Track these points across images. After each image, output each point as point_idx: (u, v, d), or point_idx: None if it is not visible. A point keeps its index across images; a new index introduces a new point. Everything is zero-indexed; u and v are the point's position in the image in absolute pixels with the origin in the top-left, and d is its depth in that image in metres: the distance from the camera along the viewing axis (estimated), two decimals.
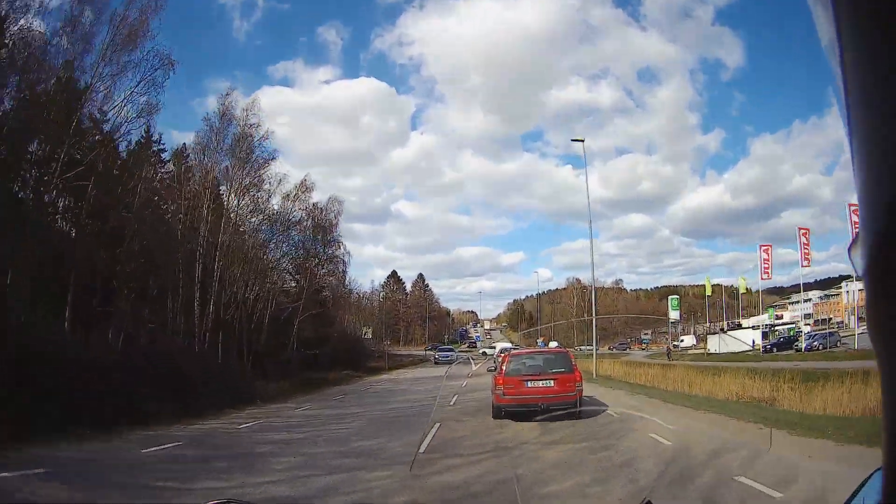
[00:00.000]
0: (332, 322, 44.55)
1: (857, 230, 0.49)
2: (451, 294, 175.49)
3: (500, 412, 12.42)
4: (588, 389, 19.49)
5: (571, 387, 12.22)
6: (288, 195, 36.74)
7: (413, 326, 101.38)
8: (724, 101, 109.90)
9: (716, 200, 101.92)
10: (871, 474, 1.32)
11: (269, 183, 34.46)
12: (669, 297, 74.81)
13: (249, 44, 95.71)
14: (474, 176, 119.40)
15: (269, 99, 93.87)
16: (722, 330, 63.24)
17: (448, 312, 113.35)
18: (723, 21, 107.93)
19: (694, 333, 78.82)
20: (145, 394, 15.47)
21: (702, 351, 62.71)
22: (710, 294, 74.42)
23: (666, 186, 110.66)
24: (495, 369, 14.92)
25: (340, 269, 44.77)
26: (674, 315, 72.60)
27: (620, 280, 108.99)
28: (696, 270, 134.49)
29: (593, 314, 30.97)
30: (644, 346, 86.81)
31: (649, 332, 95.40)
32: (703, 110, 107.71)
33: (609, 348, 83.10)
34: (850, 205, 45.61)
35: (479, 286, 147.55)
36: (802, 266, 48.89)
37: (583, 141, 29.37)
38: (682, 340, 78.36)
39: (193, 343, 27.58)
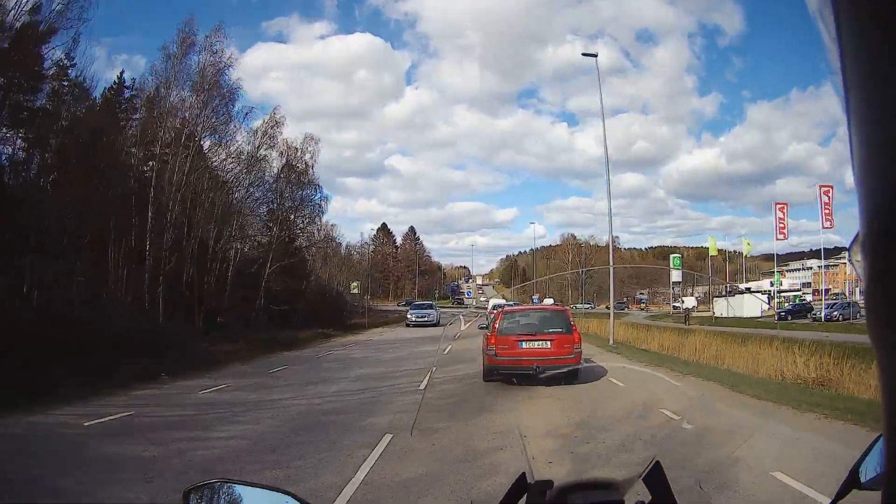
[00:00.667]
0: (308, 275, 39.51)
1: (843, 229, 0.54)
2: (444, 249, 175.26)
3: (492, 373, 11.52)
4: (611, 362, 14.74)
5: (570, 348, 11.18)
6: (256, 131, 31.64)
7: (403, 281, 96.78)
8: (722, 66, 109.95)
9: (711, 164, 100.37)
10: (874, 442, 1.25)
11: (236, 118, 29.51)
12: (671, 256, 70.28)
13: None
14: (469, 132, 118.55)
15: (264, 54, 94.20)
16: (729, 293, 58.56)
17: (440, 267, 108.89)
18: None
19: (694, 295, 74.73)
20: (39, 363, 11.36)
21: (707, 314, 58.55)
22: (714, 254, 69.50)
23: (661, 147, 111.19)
24: (487, 327, 13.49)
25: (317, 216, 39.57)
26: (675, 275, 67.97)
27: (617, 237, 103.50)
28: (690, 232, 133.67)
29: (610, 264, 25.74)
30: (642, 305, 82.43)
31: (645, 291, 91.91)
32: (700, 74, 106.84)
33: (605, 307, 78.64)
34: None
35: (472, 241, 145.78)
36: (824, 228, 44.23)
37: (595, 56, 23.90)
38: (682, 301, 74.73)
39: (143, 299, 22.90)
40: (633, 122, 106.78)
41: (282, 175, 34.54)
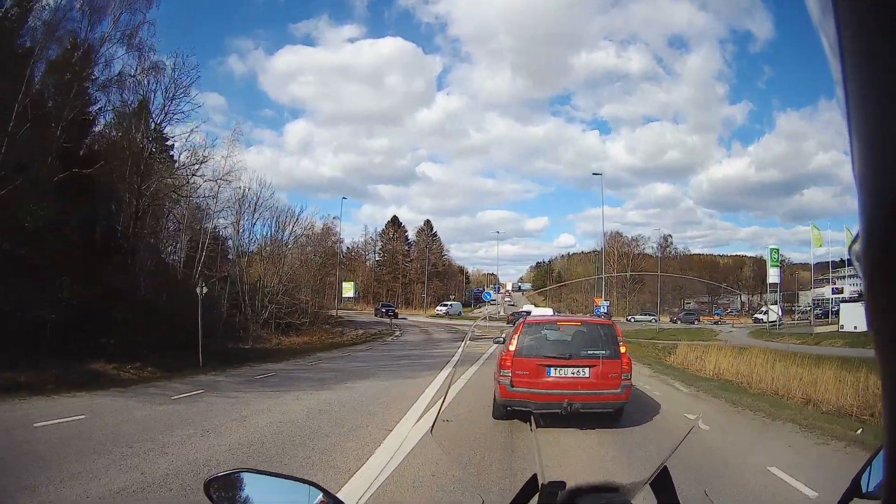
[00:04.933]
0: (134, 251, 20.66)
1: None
2: (474, 258, 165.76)
3: (503, 410, 8.33)
4: None
5: (615, 380, 7.91)
6: None
7: (414, 285, 79.06)
8: (753, 74, 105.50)
9: (740, 173, 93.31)
10: (875, 453, 1.30)
11: None
12: (769, 248, 51.03)
13: (272, 0, 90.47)
14: (500, 139, 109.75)
15: (292, 57, 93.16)
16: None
17: (462, 270, 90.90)
18: None
19: (776, 303, 56.13)
20: None
21: (830, 327, 40.08)
22: (819, 247, 50.25)
23: (691, 156, 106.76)
24: (503, 341, 9.83)
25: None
26: (773, 274, 49.20)
27: (670, 236, 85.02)
28: (717, 243, 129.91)
29: None
30: (717, 317, 64.17)
31: (691, 301, 79.08)
32: (731, 81, 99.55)
33: (672, 319, 60.50)
34: None
35: (502, 251, 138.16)
36: None
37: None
38: (765, 312, 56.68)
39: None
40: (665, 130, 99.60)
41: None
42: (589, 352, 8.12)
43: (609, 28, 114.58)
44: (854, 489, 1.26)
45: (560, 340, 8.46)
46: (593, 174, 73.18)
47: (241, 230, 34.38)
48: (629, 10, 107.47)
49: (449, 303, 65.79)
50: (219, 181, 27.88)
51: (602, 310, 35.47)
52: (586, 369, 7.97)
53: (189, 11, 69.27)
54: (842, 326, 36.65)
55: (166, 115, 25.05)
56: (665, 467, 1.38)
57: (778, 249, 50.65)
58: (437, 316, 60.83)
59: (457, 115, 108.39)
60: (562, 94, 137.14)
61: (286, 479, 1.54)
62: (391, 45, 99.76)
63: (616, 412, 8.23)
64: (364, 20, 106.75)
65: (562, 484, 1.35)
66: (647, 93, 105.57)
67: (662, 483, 1.39)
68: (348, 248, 78.89)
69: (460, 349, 22.75)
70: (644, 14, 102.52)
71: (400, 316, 53.78)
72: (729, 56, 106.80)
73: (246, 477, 1.52)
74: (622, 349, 8.18)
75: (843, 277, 58.46)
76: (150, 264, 22.41)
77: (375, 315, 54.01)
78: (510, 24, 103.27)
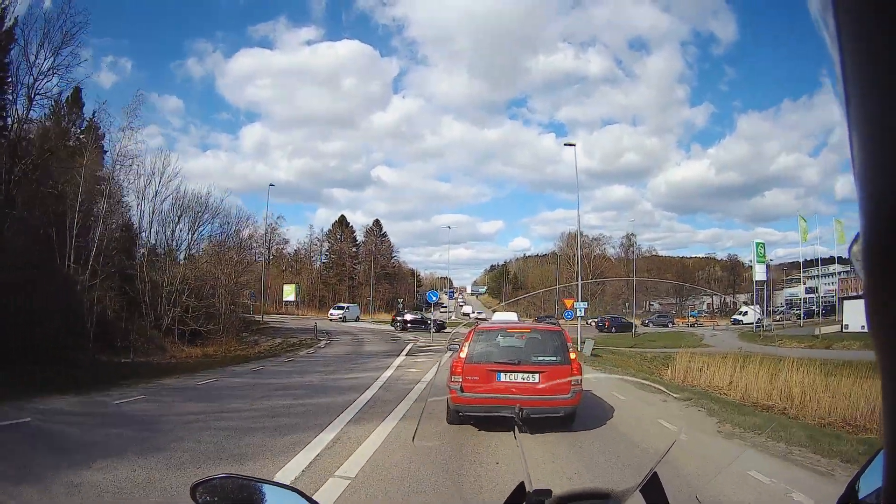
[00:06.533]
0: None
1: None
2: (427, 262, 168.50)
3: (455, 415, 8.21)
4: None
5: (565, 385, 7.88)
6: None
7: (362, 288, 72.71)
8: (715, 76, 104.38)
9: (700, 175, 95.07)
10: (873, 456, 1.27)
11: None
12: (754, 243, 46.51)
13: (231, 2, 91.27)
14: (456, 142, 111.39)
15: (249, 60, 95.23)
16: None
17: (413, 273, 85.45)
18: None
19: (756, 303, 52.33)
20: None
21: (830, 326, 35.99)
22: (805, 241, 46.33)
23: (650, 159, 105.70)
24: (457, 349, 9.10)
25: None
26: (760, 270, 44.69)
27: (633, 235, 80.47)
28: (676, 245, 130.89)
29: None
30: (693, 318, 60.59)
31: (655, 302, 77.12)
32: (692, 83, 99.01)
33: (643, 323, 56.06)
34: None
35: (456, 254, 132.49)
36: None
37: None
38: (744, 313, 53.19)
39: None
40: (623, 133, 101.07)
41: None
42: (539, 358, 8.12)
43: (568, 30, 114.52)
44: (850, 494, 1.21)
45: (510, 347, 8.34)
46: (566, 144, 70.89)
47: (141, 216, 28.32)
48: (590, 13, 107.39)
49: (345, 305, 56.66)
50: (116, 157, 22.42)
51: (579, 312, 29.81)
52: (536, 375, 7.96)
53: (152, 14, 74.36)
54: (846, 326, 32.65)
55: (51, 70, 20.79)
56: (655, 473, 1.35)
57: (763, 244, 46.32)
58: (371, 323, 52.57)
59: (413, 118, 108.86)
60: (519, 97, 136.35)
61: (271, 485, 1.51)
62: (348, 48, 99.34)
63: (567, 416, 7.92)
64: (322, 22, 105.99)
65: (548, 492, 1.32)
66: (605, 95, 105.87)
67: (652, 489, 1.36)
68: (295, 250, 74.14)
69: (385, 374, 15.98)
70: (605, 16, 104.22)
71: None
72: (690, 58, 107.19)
73: (232, 482, 1.51)
74: (572, 355, 8.16)
75: (831, 274, 56.33)
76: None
77: (401, 329, 42.57)
78: (468, 27, 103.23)
